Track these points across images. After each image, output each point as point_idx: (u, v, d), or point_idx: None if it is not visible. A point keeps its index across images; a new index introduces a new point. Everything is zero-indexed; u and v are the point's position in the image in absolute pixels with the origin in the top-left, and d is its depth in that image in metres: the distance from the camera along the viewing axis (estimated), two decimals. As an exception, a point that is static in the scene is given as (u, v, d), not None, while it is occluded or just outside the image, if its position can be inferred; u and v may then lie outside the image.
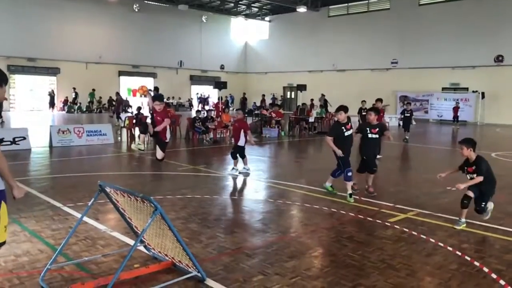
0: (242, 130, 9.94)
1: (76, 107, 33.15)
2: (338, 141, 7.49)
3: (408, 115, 16.84)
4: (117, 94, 26.30)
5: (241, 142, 9.98)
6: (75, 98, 33.34)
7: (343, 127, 7.55)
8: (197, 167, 10.83)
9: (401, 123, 18.87)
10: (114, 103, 28.70)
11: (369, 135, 7.84)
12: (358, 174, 8.11)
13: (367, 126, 7.98)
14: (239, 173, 9.88)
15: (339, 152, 7.43)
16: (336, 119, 7.89)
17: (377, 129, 7.90)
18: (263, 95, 36.56)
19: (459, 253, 5.08)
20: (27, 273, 4.34)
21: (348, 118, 7.72)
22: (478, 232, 5.92)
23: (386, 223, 6.22)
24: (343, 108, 7.65)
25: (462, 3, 30.54)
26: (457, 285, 4.27)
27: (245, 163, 10.08)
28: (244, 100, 39.00)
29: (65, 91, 33.55)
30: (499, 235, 5.78)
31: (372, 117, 7.97)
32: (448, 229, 6.02)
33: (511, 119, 28.29)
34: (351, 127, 7.67)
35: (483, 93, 29.01)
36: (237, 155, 10.01)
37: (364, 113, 18.46)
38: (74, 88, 33.02)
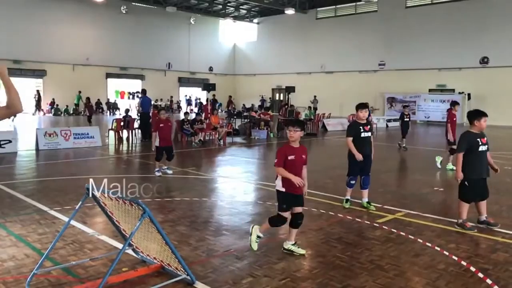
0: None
1: (63, 109, 32.85)
2: (354, 142, 6.89)
3: (407, 119, 15.58)
4: (87, 99, 26.23)
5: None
6: (52, 102, 33.11)
7: (361, 127, 6.96)
8: (185, 169, 10.78)
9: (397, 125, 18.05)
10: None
11: (481, 148, 5.92)
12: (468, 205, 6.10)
13: (478, 136, 5.96)
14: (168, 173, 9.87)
15: (359, 157, 6.75)
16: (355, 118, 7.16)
17: (486, 138, 6.05)
18: (243, 104, 36.63)
19: (447, 253, 5.13)
20: (13, 278, 4.28)
21: (367, 120, 7.12)
22: (465, 232, 5.98)
23: (375, 224, 6.26)
24: (366, 106, 7.07)
25: (448, 6, 30.96)
26: (445, 284, 4.31)
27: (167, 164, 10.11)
28: (229, 103, 39.00)
29: (52, 94, 33.24)
30: (485, 235, 5.84)
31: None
32: (436, 229, 6.08)
33: (497, 120, 28.61)
34: (369, 129, 7.00)
35: (469, 95, 29.36)
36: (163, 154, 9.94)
37: None
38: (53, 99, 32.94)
